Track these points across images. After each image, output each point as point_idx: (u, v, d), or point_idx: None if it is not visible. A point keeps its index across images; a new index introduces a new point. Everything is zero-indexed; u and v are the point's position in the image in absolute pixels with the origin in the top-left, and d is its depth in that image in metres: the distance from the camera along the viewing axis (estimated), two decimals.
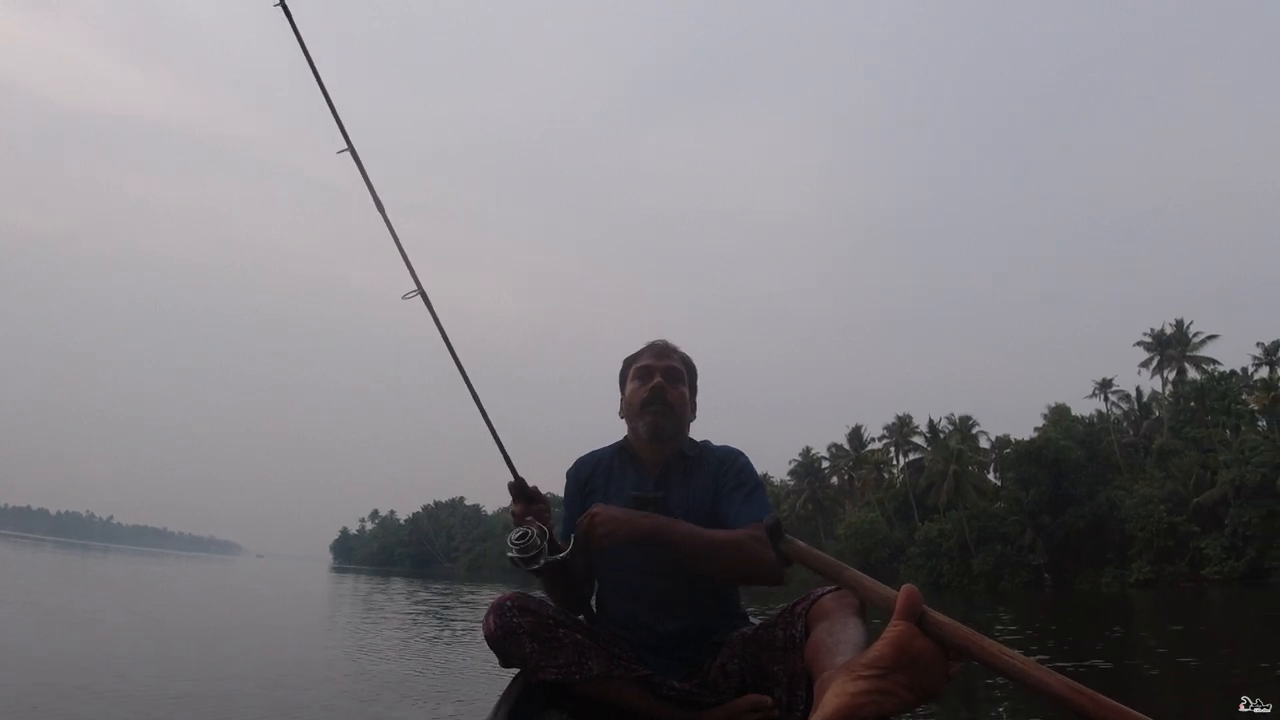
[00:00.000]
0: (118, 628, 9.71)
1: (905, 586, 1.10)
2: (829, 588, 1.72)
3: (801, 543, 1.41)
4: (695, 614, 2.17)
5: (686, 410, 2.33)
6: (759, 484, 2.23)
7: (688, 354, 2.42)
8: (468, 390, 2.19)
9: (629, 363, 2.41)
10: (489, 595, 23.33)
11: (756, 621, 2.12)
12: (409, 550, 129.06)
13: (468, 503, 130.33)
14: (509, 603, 2.02)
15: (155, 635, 9.19)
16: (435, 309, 2.18)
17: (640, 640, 2.15)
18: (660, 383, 2.27)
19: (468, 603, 19.54)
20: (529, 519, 2.07)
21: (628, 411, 2.35)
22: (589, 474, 2.35)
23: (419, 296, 2.17)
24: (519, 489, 2.15)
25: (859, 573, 1.32)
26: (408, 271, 2.18)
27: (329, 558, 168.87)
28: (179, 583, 24.05)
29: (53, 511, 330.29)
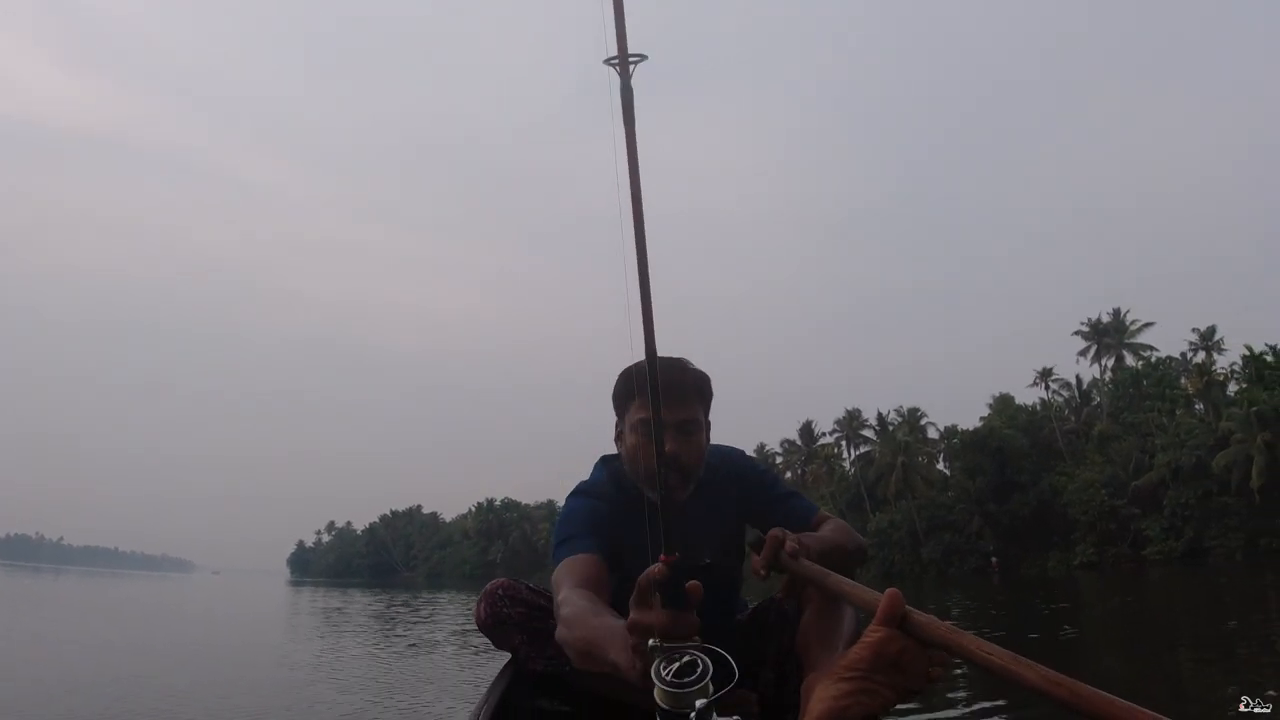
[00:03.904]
0: (75, 649, 9.68)
1: (890, 591, 1.13)
2: None
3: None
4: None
5: (704, 453, 2.00)
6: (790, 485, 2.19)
7: (702, 370, 2.03)
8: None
9: (624, 399, 2.00)
10: (448, 602, 23.30)
11: (751, 607, 2.16)
12: (367, 561, 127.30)
13: (425, 511, 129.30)
14: (500, 590, 1.98)
15: (101, 656, 9.16)
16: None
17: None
18: (674, 450, 1.87)
19: (430, 615, 19.54)
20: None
21: (630, 467, 1.98)
22: (619, 521, 1.88)
23: (616, 65, 1.24)
24: (670, 587, 1.05)
25: (842, 578, 1.41)
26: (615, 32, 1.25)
27: (285, 572, 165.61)
28: (127, 602, 23.61)
29: (0, 535, 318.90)
